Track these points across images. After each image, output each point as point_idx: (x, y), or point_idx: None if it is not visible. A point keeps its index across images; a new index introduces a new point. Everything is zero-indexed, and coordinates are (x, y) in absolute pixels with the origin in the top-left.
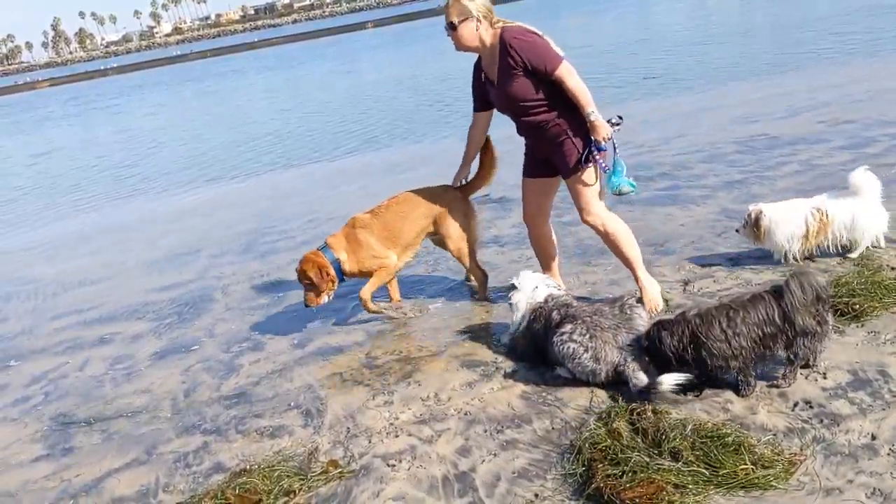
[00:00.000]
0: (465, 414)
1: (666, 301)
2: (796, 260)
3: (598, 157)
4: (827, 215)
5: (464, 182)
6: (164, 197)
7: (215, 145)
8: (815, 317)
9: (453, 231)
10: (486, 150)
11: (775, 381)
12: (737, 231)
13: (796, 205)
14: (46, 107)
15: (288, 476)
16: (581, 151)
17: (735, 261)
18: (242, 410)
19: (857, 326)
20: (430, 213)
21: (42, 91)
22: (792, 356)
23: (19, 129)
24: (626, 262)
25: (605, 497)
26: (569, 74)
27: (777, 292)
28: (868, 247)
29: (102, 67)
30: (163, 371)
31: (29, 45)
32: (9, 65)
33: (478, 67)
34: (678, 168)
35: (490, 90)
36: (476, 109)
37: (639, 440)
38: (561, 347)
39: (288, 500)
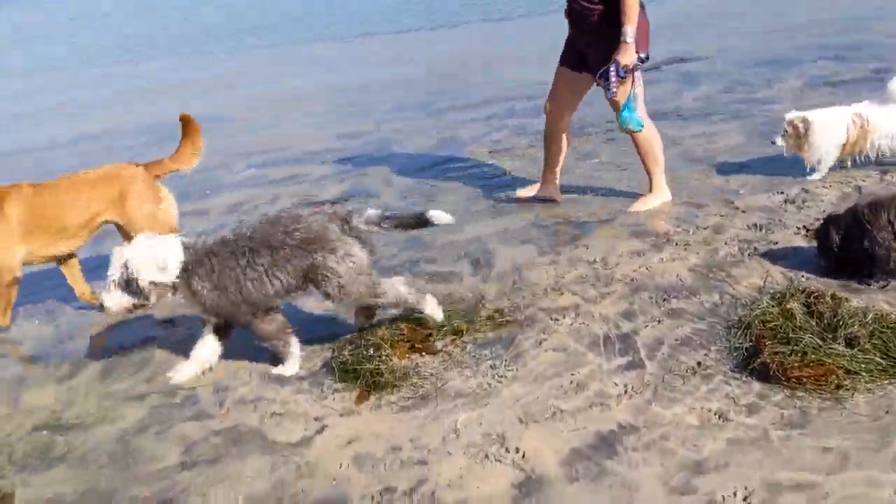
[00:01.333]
0: (632, 280)
1: (858, 189)
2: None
3: (612, 78)
4: (868, 122)
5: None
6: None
7: None
8: None
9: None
10: (188, 124)
11: None
12: (773, 143)
13: (838, 112)
14: None
15: (457, 317)
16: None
17: None
18: (416, 254)
19: None
20: (101, 200)
21: None
22: None
23: None
24: (647, 169)
25: (771, 373)
26: None
27: None
28: None
29: None
30: None
31: None
32: None
33: None
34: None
35: None
36: None
37: (812, 323)
38: None
39: (455, 338)
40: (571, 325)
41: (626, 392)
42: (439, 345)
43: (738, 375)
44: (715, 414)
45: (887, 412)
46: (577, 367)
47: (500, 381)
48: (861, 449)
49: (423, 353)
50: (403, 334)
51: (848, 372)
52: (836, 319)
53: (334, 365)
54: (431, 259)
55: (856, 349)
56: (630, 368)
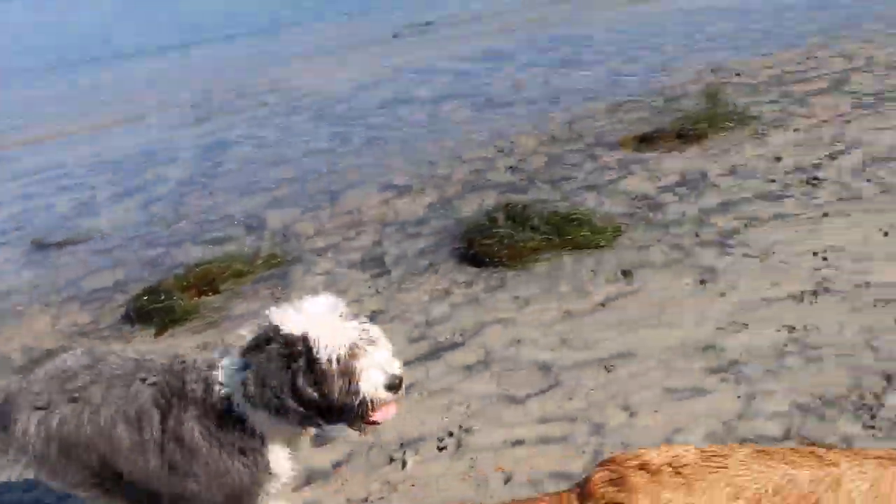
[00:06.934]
0: (381, 221)
1: None
2: None
3: None
4: None
5: None
6: None
7: None
8: None
9: None
10: None
11: None
12: None
13: None
14: None
15: (237, 264)
16: None
17: None
18: (195, 229)
19: (696, 147)
20: None
21: None
22: None
23: None
24: None
25: (480, 258)
26: None
27: None
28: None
29: None
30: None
31: None
32: None
33: None
34: None
35: None
36: None
37: (508, 222)
38: None
39: (236, 280)
40: (332, 256)
41: (377, 291)
42: (223, 286)
43: (458, 265)
44: (442, 291)
45: (558, 271)
46: (339, 282)
47: (276, 301)
48: (538, 294)
49: (210, 294)
50: (190, 281)
51: (534, 250)
52: (524, 218)
53: (131, 312)
54: (209, 229)
55: (537, 234)
56: (380, 276)
